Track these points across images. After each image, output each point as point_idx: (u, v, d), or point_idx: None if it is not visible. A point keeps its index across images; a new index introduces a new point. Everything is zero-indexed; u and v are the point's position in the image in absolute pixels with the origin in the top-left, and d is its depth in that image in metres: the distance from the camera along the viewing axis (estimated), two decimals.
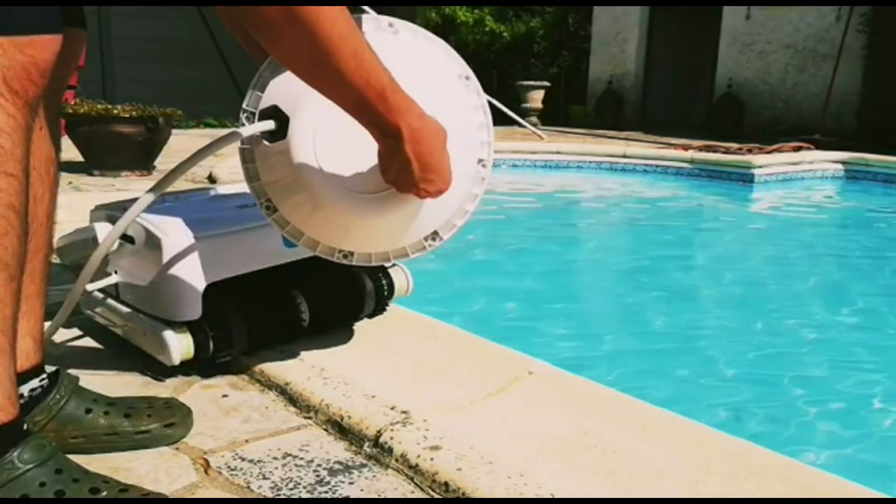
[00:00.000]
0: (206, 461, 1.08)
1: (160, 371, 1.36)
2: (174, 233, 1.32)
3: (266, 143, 1.16)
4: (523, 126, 7.80)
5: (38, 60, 0.85)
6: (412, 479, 1.04)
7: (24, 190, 0.87)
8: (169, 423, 1.14)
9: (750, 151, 6.51)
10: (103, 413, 1.10)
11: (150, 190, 1.14)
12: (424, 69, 1.18)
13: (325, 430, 1.19)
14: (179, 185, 3.72)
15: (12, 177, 0.84)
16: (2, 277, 0.85)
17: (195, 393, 1.30)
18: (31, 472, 0.88)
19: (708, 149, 6.73)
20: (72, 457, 0.95)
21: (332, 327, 1.52)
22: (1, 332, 0.87)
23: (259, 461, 1.08)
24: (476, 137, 1.21)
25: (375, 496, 1.00)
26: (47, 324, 1.13)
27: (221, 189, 1.65)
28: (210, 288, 1.33)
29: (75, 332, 1.57)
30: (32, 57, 0.84)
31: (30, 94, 0.85)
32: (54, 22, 0.87)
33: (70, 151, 4.36)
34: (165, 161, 4.40)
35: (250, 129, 1.15)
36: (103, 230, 1.36)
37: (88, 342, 1.53)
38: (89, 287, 1.42)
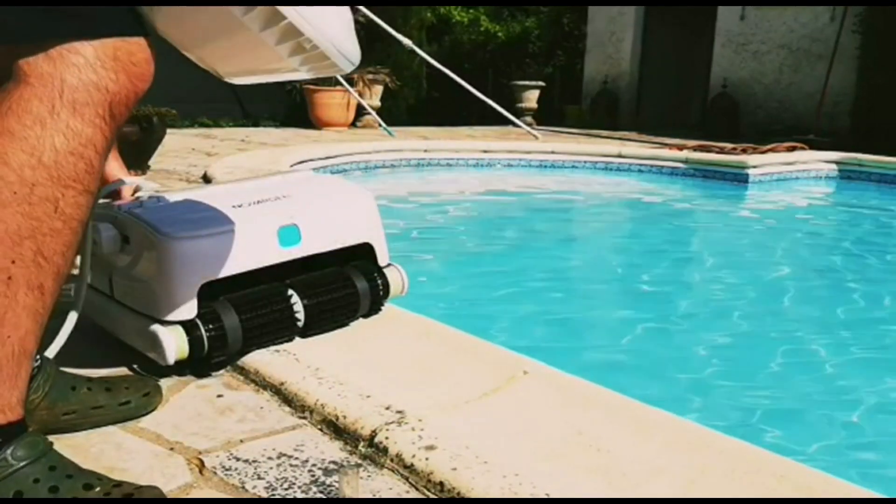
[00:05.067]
0: (201, 461, 1.07)
1: (154, 371, 1.35)
2: (170, 232, 1.31)
3: None
4: (518, 126, 7.81)
5: (140, 91, 0.91)
6: (407, 478, 1.04)
7: (92, 206, 0.93)
8: (145, 392, 1.21)
9: (744, 151, 6.52)
10: (86, 389, 1.16)
11: None
12: None
13: (321, 430, 1.18)
14: (174, 184, 3.71)
15: (91, 194, 0.90)
16: (55, 288, 0.90)
17: (190, 393, 1.30)
18: (24, 469, 0.89)
19: (703, 149, 6.74)
20: (67, 454, 0.95)
21: (328, 328, 1.52)
22: (35, 337, 0.90)
23: (254, 461, 1.08)
24: None
25: (370, 496, 1.00)
26: None
27: (216, 188, 1.64)
28: (205, 287, 1.32)
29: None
30: (137, 87, 0.90)
31: (123, 118, 0.91)
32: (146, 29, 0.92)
33: None
34: (160, 161, 4.39)
35: None
36: (104, 229, 1.36)
37: (81, 341, 1.52)
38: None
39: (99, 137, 0.88)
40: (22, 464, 0.89)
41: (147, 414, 1.21)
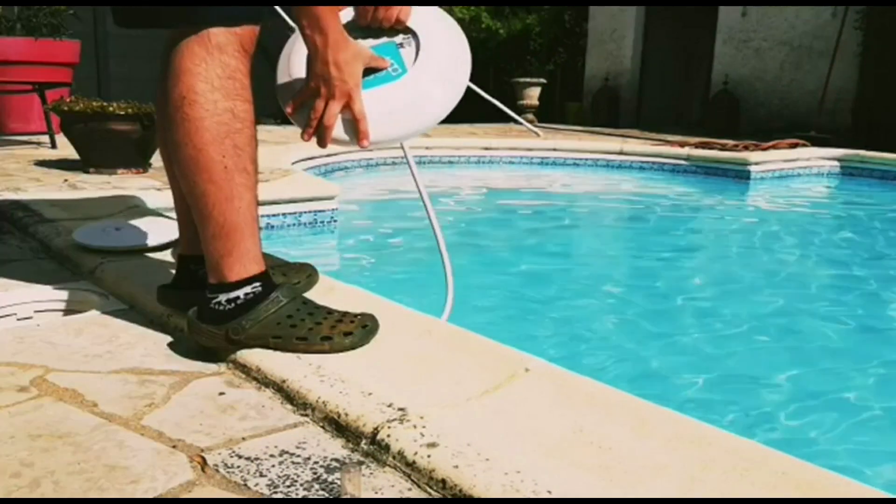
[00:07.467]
0: (203, 459, 1.07)
1: (157, 368, 1.35)
2: None
3: None
4: (519, 123, 7.78)
5: (256, 32, 1.36)
6: (409, 476, 1.04)
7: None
8: (308, 273, 1.70)
9: (746, 148, 6.51)
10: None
11: None
12: None
13: (322, 427, 1.19)
14: None
15: (250, 103, 1.36)
16: (253, 168, 1.36)
17: (192, 391, 1.30)
18: (289, 304, 1.39)
19: (704, 146, 6.74)
20: (68, 451, 0.95)
21: None
22: (255, 205, 1.37)
23: (256, 459, 1.08)
24: None
25: (372, 494, 1.00)
26: None
27: None
28: None
29: (73, 328, 1.56)
30: (255, 30, 1.36)
31: (252, 51, 1.37)
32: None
33: (66, 149, 4.36)
34: (161, 159, 4.38)
35: None
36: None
37: (79, 339, 1.52)
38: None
39: (241, 65, 1.33)
40: (286, 300, 1.39)
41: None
